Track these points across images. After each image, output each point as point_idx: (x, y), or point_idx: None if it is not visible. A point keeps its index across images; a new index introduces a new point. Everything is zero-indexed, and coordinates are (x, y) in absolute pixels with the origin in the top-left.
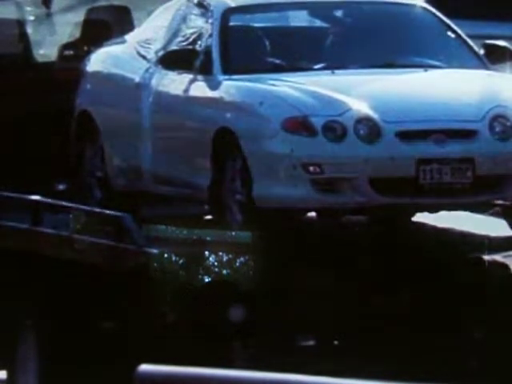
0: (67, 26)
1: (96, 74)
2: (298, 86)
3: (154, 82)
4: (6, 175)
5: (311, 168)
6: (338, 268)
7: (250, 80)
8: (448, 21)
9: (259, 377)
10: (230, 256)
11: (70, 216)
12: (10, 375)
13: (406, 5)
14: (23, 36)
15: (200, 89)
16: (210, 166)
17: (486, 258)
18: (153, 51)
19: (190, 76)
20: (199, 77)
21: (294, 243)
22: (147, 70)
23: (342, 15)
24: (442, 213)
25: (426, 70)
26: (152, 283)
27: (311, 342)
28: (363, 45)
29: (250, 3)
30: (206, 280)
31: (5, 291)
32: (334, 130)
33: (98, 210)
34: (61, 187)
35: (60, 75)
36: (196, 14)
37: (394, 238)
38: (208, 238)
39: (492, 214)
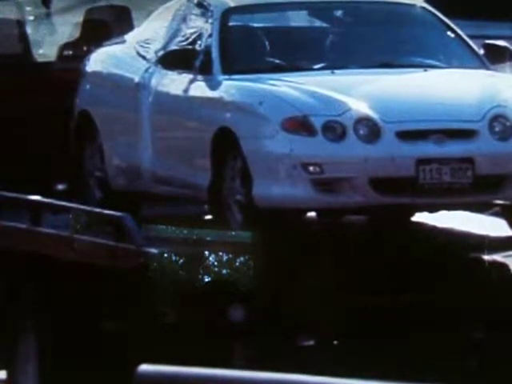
0: (67, 25)
1: (96, 73)
2: (297, 86)
3: (153, 81)
4: (6, 175)
5: (311, 168)
6: (337, 268)
7: (249, 80)
8: (448, 21)
9: (259, 377)
10: (230, 256)
11: (70, 216)
12: (9, 375)
13: (406, 5)
14: (23, 36)
15: (200, 89)
16: (210, 166)
17: (486, 258)
18: (152, 51)
19: (190, 76)
20: (199, 77)
21: (294, 243)
22: (147, 70)
23: (341, 15)
24: (442, 213)
25: (425, 70)
26: (152, 283)
27: (311, 342)
28: (363, 45)
29: (250, 3)
30: (206, 280)
31: (5, 291)
32: (334, 130)
33: (98, 210)
34: (61, 187)
35: (60, 75)
36: (196, 14)
37: (394, 238)
38: (208, 238)
39: (492, 214)
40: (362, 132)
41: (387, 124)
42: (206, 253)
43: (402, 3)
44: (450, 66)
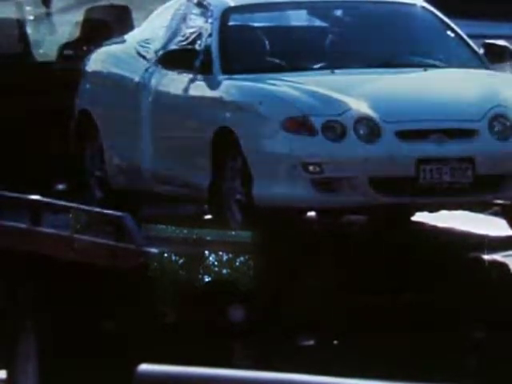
0: (67, 25)
1: (96, 73)
2: (297, 86)
3: (153, 81)
4: (5, 175)
5: (311, 167)
6: (338, 268)
7: (249, 80)
8: (448, 20)
9: (259, 377)
10: (230, 256)
11: (70, 216)
12: (9, 375)
13: (406, 4)
14: (23, 36)
15: (200, 88)
16: (210, 166)
17: (486, 257)
18: (152, 51)
19: (190, 76)
20: (199, 76)
21: (294, 243)
22: (147, 70)
23: (341, 15)
24: (442, 212)
25: (425, 70)
26: (152, 283)
27: (311, 342)
28: (363, 44)
29: (250, 3)
30: (206, 280)
31: (5, 291)
32: (334, 130)
33: (97, 209)
34: (61, 187)
35: (60, 75)
36: (196, 14)
37: (394, 238)
38: (208, 238)
39: (492, 214)
40: (362, 132)
41: (387, 124)
42: (206, 252)
43: (402, 3)
44: (449, 66)
